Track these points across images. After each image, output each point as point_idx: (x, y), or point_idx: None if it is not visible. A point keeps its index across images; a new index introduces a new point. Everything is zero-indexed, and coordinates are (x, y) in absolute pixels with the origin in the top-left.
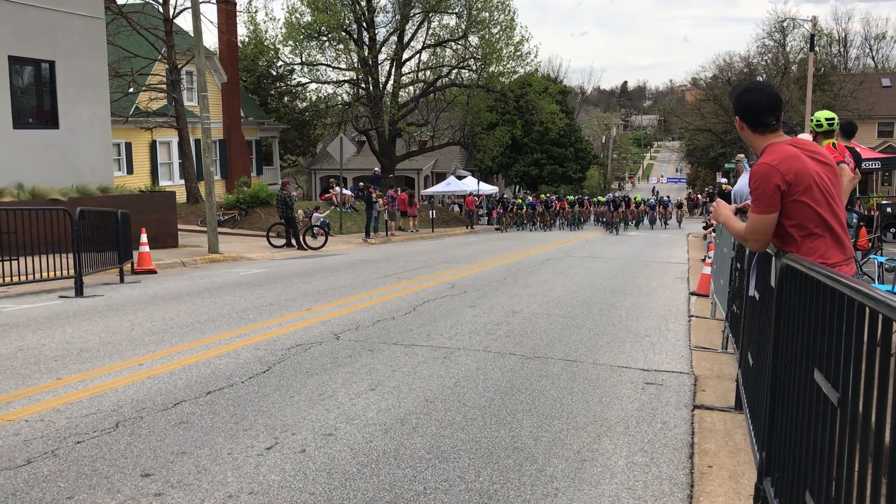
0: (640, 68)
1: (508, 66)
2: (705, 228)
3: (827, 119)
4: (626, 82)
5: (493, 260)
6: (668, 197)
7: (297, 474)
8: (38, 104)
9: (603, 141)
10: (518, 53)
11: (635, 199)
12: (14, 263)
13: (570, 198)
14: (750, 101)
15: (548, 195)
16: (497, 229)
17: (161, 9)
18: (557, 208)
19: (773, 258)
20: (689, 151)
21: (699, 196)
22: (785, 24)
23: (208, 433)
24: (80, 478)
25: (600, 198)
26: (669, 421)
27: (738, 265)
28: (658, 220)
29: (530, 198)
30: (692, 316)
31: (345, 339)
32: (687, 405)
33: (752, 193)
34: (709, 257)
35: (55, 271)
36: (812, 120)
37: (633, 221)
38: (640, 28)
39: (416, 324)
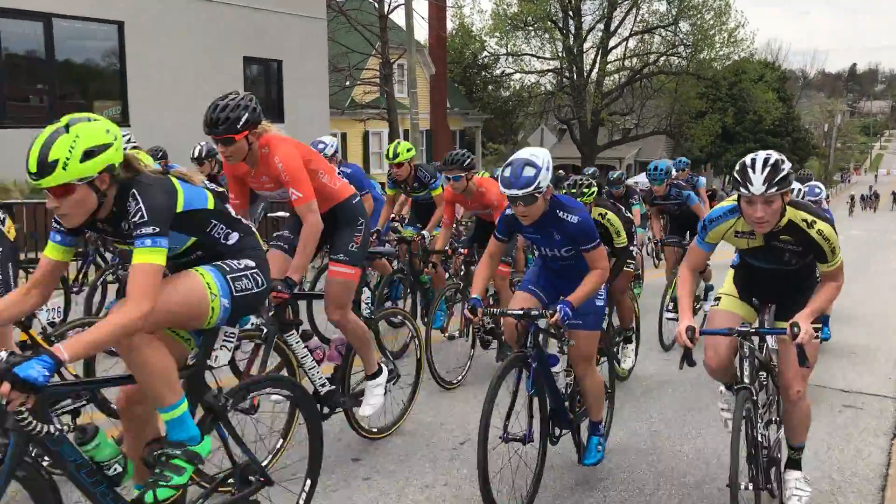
0: (872, 49)
1: (721, 52)
2: None
3: None
4: (854, 65)
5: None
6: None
7: None
8: (266, 100)
9: (825, 129)
10: (732, 39)
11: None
12: None
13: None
14: None
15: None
16: None
17: (377, 5)
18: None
19: None
20: None
21: None
22: None
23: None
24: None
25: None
26: (864, 448)
27: None
28: None
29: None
30: None
31: None
32: (887, 433)
33: None
34: None
35: None
36: None
37: None
38: (871, 5)
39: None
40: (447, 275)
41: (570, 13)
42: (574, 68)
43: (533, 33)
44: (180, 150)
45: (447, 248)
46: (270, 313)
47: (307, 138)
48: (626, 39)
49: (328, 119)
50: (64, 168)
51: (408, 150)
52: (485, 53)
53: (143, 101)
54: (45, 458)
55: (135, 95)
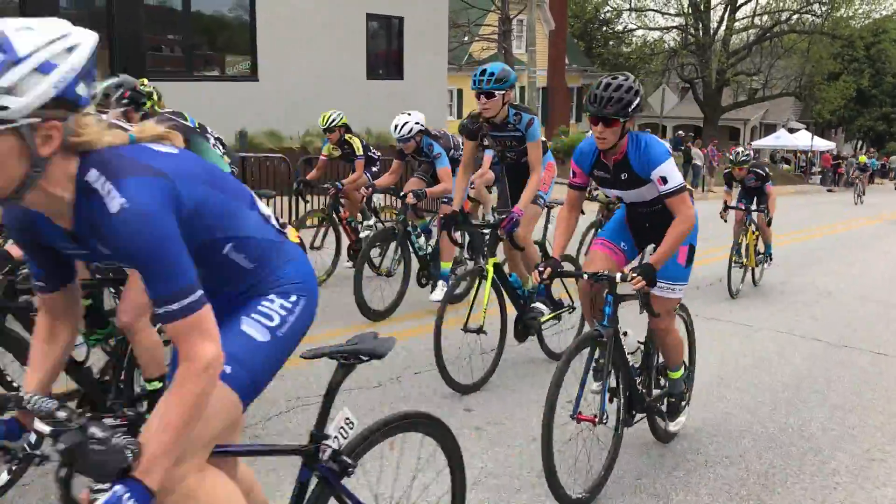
0: None
1: (860, 9)
2: None
3: None
4: None
5: (816, 228)
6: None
7: None
8: (386, 57)
9: None
10: None
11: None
12: None
13: None
14: None
15: None
16: (829, 190)
17: None
18: None
19: None
20: None
21: None
22: None
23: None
24: (419, 402)
25: None
26: None
27: None
28: None
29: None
30: None
31: None
32: None
33: None
34: None
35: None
36: None
37: None
38: None
39: (720, 296)
40: None
41: None
42: (700, 25)
43: None
44: (306, 105)
45: None
46: None
47: (425, 94)
48: None
49: (446, 75)
50: None
51: None
52: (607, 8)
53: (270, 55)
54: None
55: (263, 50)
